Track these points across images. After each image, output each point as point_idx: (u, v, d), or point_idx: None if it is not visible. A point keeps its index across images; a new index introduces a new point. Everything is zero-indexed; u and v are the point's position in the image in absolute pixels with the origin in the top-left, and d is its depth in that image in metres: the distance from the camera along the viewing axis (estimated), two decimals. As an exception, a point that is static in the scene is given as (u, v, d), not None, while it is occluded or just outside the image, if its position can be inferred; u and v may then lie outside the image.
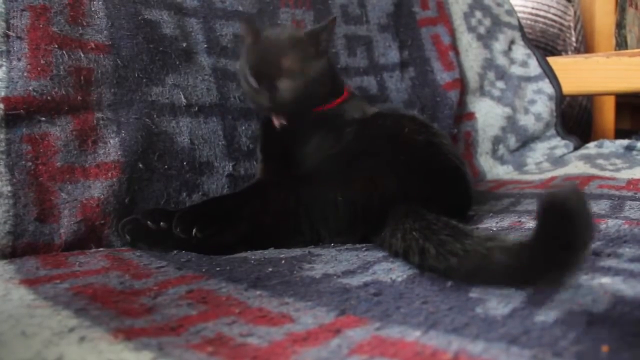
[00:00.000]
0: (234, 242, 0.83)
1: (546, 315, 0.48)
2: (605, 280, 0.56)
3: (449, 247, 0.60)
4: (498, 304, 0.52)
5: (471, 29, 1.66)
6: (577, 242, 0.47)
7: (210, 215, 0.85)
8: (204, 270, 0.69)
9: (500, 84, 1.67)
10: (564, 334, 0.44)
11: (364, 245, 0.81)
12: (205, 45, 1.10)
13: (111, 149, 0.91)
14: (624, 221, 0.81)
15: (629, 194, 1.08)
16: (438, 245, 0.62)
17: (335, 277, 0.64)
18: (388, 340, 0.45)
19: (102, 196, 0.88)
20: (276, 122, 1.00)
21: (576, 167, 1.43)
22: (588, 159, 1.48)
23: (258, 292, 0.59)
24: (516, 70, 1.72)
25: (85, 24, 0.94)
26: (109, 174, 0.90)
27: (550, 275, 0.50)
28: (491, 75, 1.67)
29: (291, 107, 0.97)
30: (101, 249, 0.86)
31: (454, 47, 1.57)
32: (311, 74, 0.98)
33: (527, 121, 1.65)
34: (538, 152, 1.64)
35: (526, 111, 1.67)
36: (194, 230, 0.80)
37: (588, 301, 0.50)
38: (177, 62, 1.05)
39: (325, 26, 1.00)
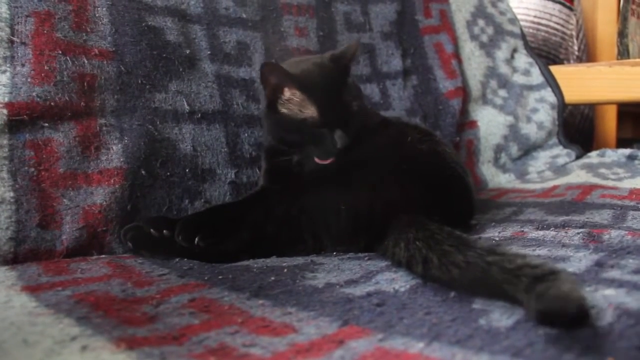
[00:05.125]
0: (236, 250, 0.83)
1: (550, 328, 0.47)
2: (609, 292, 0.55)
3: (451, 258, 0.60)
4: (501, 315, 0.51)
5: (474, 38, 1.66)
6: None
7: (213, 223, 0.85)
8: (206, 278, 0.69)
9: (502, 93, 1.67)
10: (568, 347, 0.43)
11: (367, 254, 0.81)
12: (209, 52, 1.10)
13: (114, 155, 0.91)
14: (627, 232, 0.81)
15: (632, 203, 1.07)
16: (441, 256, 0.62)
17: (338, 286, 0.64)
18: (391, 351, 0.45)
19: (104, 203, 0.88)
20: (328, 161, 0.92)
21: (578, 176, 1.42)
22: (590, 168, 1.48)
23: (261, 302, 0.59)
24: (518, 78, 1.72)
25: (89, 30, 0.94)
26: (112, 181, 0.90)
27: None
28: (494, 83, 1.67)
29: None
30: (103, 255, 0.86)
31: (457, 55, 1.57)
32: (360, 100, 0.97)
33: (530, 130, 1.65)
34: (540, 161, 1.64)
35: (528, 120, 1.67)
36: (196, 239, 0.80)
37: (592, 313, 0.50)
38: (181, 69, 1.05)
39: (354, 51, 0.97)
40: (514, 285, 0.52)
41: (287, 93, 0.93)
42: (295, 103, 0.92)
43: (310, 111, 0.91)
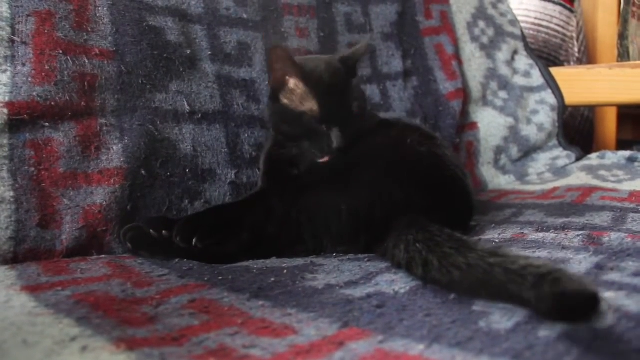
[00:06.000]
0: (236, 251, 0.83)
1: (550, 330, 0.47)
2: (609, 294, 0.55)
3: (452, 260, 0.60)
4: (501, 317, 0.51)
5: (474, 39, 1.66)
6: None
7: (211, 224, 0.85)
8: (206, 279, 0.69)
9: (502, 94, 1.68)
10: (568, 350, 0.43)
11: (367, 255, 0.81)
12: (209, 52, 1.10)
13: (114, 155, 0.91)
14: (626, 234, 0.81)
15: (632, 205, 1.08)
16: (441, 258, 0.62)
17: (337, 287, 0.64)
18: (392, 353, 0.45)
19: (104, 203, 0.88)
20: (324, 159, 0.92)
21: (578, 178, 1.42)
22: (590, 170, 1.48)
23: (261, 303, 0.59)
24: (519, 80, 1.72)
25: (90, 30, 0.94)
26: (112, 181, 0.90)
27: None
28: (494, 85, 1.67)
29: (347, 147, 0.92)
30: (103, 255, 0.86)
31: (457, 56, 1.57)
32: (364, 102, 0.98)
33: (530, 131, 1.65)
34: (540, 163, 1.64)
35: (528, 121, 1.67)
36: (194, 240, 0.80)
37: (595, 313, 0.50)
38: (181, 69, 1.05)
39: (363, 52, 0.98)
40: (520, 285, 0.52)
41: (291, 83, 0.93)
42: (297, 95, 0.92)
43: (311, 105, 0.91)
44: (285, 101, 0.94)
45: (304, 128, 0.92)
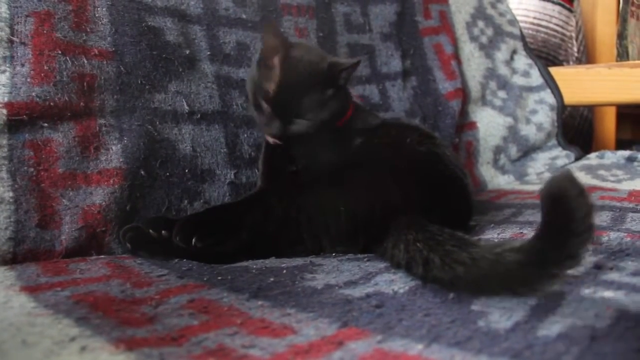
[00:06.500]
0: (235, 251, 0.83)
1: (549, 330, 0.47)
2: (608, 294, 0.56)
3: (455, 257, 0.60)
4: (500, 317, 0.51)
5: (473, 39, 1.66)
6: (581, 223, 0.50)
7: (211, 224, 0.85)
8: (205, 279, 0.69)
9: (502, 94, 1.68)
10: (567, 349, 0.43)
11: (366, 255, 0.81)
12: (209, 53, 1.10)
13: (113, 155, 0.91)
14: (625, 234, 0.81)
15: (631, 205, 1.08)
16: (444, 256, 0.62)
17: (337, 287, 0.64)
18: (391, 353, 0.45)
19: (103, 203, 0.88)
20: (270, 140, 0.96)
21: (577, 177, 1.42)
22: (589, 169, 1.48)
23: (260, 303, 0.59)
24: (518, 80, 1.72)
25: (89, 30, 0.94)
26: (111, 181, 0.90)
27: (564, 260, 0.52)
28: (493, 84, 1.67)
29: (297, 139, 0.94)
30: (102, 256, 0.86)
31: (456, 56, 1.57)
32: (326, 114, 0.95)
33: (529, 131, 1.65)
34: (539, 162, 1.64)
35: (528, 121, 1.67)
36: (193, 240, 0.80)
37: (591, 315, 0.50)
38: (180, 69, 1.05)
39: (350, 65, 0.94)
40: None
41: (273, 60, 0.93)
42: (269, 69, 0.92)
43: (271, 86, 0.91)
44: (261, 70, 0.94)
45: (260, 104, 0.93)
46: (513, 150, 1.62)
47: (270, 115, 0.92)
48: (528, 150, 1.66)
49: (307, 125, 0.93)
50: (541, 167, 1.62)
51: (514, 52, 1.76)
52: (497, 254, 0.56)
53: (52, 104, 0.86)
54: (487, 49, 1.68)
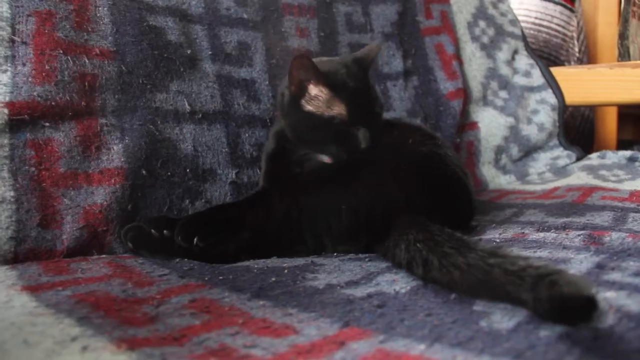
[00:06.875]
0: (236, 251, 0.83)
1: (551, 330, 0.47)
2: (610, 294, 0.55)
3: (452, 260, 0.60)
4: (502, 317, 0.51)
5: (475, 39, 1.66)
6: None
7: (212, 224, 0.85)
8: (206, 279, 0.69)
9: (503, 94, 1.67)
10: (569, 350, 0.43)
11: (367, 255, 0.81)
12: (210, 52, 1.10)
13: (114, 155, 0.91)
14: (627, 234, 0.81)
15: (632, 205, 1.08)
16: (442, 258, 0.62)
17: (338, 287, 0.64)
18: (392, 353, 0.45)
19: (104, 202, 0.88)
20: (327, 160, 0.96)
21: (579, 177, 1.42)
22: (590, 169, 1.48)
23: (261, 302, 0.59)
24: (519, 80, 1.72)
25: (90, 29, 0.94)
26: (112, 181, 0.90)
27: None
28: (494, 84, 1.67)
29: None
30: (103, 255, 0.86)
31: (458, 56, 1.57)
32: (383, 106, 1.01)
33: (530, 131, 1.65)
34: (540, 162, 1.64)
35: (529, 121, 1.67)
36: (195, 239, 0.80)
37: (593, 316, 0.50)
38: (182, 69, 1.05)
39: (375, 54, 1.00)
40: (518, 286, 0.52)
41: (313, 90, 0.92)
42: (322, 100, 0.92)
43: (339, 109, 0.91)
44: (309, 108, 0.93)
45: (332, 132, 0.93)
46: (514, 150, 1.62)
47: (351, 133, 0.92)
48: (529, 150, 1.66)
49: (381, 119, 0.97)
50: (542, 167, 1.62)
51: (516, 52, 1.76)
52: (490, 265, 0.56)
53: (53, 103, 0.86)
54: (489, 49, 1.68)
